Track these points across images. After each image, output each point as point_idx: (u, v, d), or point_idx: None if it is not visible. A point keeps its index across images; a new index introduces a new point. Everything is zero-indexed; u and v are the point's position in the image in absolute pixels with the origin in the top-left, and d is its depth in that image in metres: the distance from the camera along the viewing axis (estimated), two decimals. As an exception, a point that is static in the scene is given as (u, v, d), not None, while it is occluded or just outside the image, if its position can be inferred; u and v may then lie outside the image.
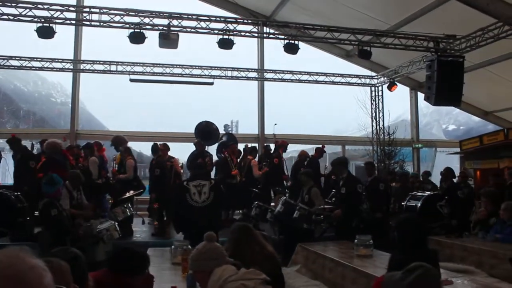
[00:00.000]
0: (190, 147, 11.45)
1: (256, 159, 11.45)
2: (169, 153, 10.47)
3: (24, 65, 13.08)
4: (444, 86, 10.14)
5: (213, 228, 6.49)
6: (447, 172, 9.44)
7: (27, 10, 8.76)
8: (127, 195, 8.48)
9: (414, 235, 3.59)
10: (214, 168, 11.05)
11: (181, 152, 12.35)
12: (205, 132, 12.25)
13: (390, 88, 14.47)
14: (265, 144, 13.48)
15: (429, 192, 9.12)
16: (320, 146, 12.20)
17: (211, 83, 14.13)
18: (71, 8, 9.29)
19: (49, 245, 5.46)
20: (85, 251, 4.08)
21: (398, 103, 18.65)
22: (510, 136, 11.64)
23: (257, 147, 13.28)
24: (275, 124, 11.56)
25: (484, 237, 6.80)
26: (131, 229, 9.16)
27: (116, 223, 7.17)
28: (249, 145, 11.86)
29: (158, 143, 10.39)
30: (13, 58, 12.94)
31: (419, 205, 8.74)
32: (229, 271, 2.81)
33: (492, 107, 16.75)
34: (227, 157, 11.00)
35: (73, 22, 9.56)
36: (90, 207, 7.42)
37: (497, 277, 5.37)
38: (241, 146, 11.79)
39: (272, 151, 11.96)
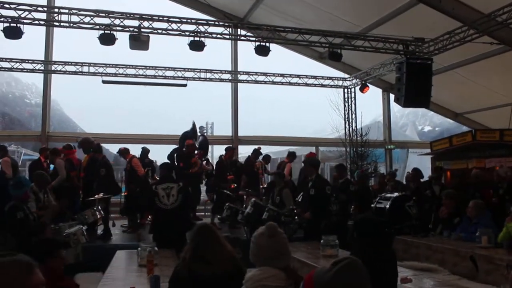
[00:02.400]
0: (165, 149, 11.43)
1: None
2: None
3: (-7, 66, 12.84)
4: (413, 88, 10.34)
5: (181, 230, 6.61)
6: (415, 173, 9.63)
7: (-8, 10, 8.63)
8: (96, 197, 8.40)
9: (372, 235, 3.68)
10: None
11: (155, 154, 12.27)
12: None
13: (362, 90, 14.66)
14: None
15: (397, 193, 9.26)
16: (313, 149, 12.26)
17: (185, 85, 14.08)
18: (40, 8, 9.15)
19: (15, 249, 5.40)
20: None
21: (372, 104, 18.90)
22: (477, 137, 11.96)
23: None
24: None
25: (449, 236, 6.96)
26: (95, 232, 9.16)
27: (84, 228, 7.13)
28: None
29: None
30: (-19, 58, 12.69)
31: (388, 206, 8.88)
32: (275, 280, 2.63)
33: (461, 108, 17.12)
34: (223, 161, 11.04)
35: (42, 22, 9.40)
36: (56, 207, 7.34)
37: (459, 275, 5.52)
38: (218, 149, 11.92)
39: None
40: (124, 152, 10.26)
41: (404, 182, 12.24)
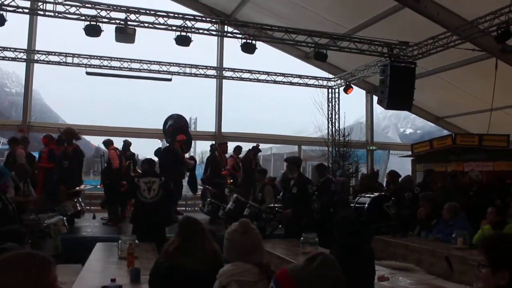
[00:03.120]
0: (147, 143, 11.37)
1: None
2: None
3: (-28, 53, 12.61)
4: (396, 90, 10.51)
5: (161, 224, 6.65)
6: (392, 175, 9.79)
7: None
8: (77, 189, 8.35)
9: (350, 233, 3.75)
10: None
11: (137, 147, 12.23)
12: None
13: (346, 90, 14.81)
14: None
15: (376, 193, 9.40)
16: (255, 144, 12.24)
17: (169, 79, 14.04)
18: (24, -4, 9.04)
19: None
20: (32, 246, 4.07)
21: (355, 105, 19.10)
22: (457, 141, 12.16)
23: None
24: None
25: (426, 237, 7.10)
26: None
27: (65, 218, 7.09)
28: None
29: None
30: (-39, 44, 12.44)
31: (366, 205, 9.00)
32: (249, 274, 2.66)
33: (443, 112, 17.41)
34: (217, 156, 11.01)
35: (26, 11, 9.27)
36: (35, 198, 7.29)
37: (435, 274, 5.65)
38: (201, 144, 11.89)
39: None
40: (107, 143, 10.26)
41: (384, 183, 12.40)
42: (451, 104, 16.13)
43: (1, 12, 8.55)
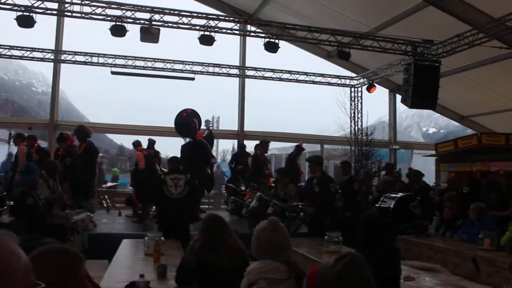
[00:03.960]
0: (170, 141, 11.50)
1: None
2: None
3: (3, 53, 12.93)
4: (420, 89, 10.38)
5: (186, 219, 6.77)
6: (416, 174, 9.67)
7: (7, -2, 8.73)
8: (104, 186, 8.51)
9: (375, 232, 3.74)
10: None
11: (160, 145, 12.34)
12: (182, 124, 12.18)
13: (369, 89, 14.70)
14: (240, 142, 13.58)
15: (402, 194, 9.30)
16: (299, 143, 12.32)
17: (192, 78, 14.15)
18: (53, -2, 9.23)
19: (23, 234, 5.51)
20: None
21: (378, 104, 18.93)
22: (483, 140, 11.97)
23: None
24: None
25: (451, 237, 7.03)
26: None
27: (92, 215, 7.24)
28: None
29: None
30: (-8, 46, 12.80)
31: (392, 206, 8.92)
32: (277, 273, 2.67)
33: (467, 111, 17.13)
34: (260, 155, 11.14)
35: (54, 12, 9.48)
36: (62, 194, 7.46)
37: (460, 275, 5.57)
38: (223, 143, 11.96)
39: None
40: (135, 145, 10.56)
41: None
42: (477, 103, 15.85)
43: (31, 14, 8.76)
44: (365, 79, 15.24)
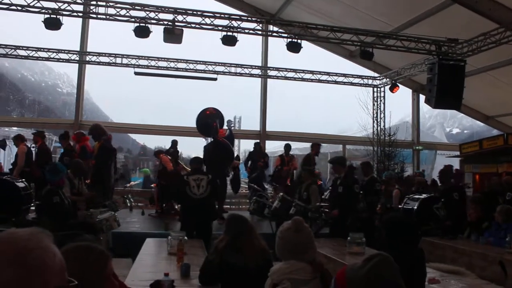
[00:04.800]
0: (192, 141, 11.64)
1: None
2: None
3: (31, 55, 13.24)
4: (445, 89, 10.22)
5: (208, 219, 6.85)
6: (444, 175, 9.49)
7: (35, 1, 8.93)
8: (127, 185, 8.63)
9: (400, 233, 3.69)
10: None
11: (182, 145, 12.47)
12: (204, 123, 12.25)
13: (392, 89, 14.56)
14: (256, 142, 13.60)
15: (425, 195, 9.17)
16: (339, 147, 12.36)
17: (215, 79, 14.23)
18: (78, 1, 9.38)
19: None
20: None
21: (401, 104, 18.71)
22: (509, 141, 11.73)
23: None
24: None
25: (476, 240, 6.90)
26: None
27: (116, 214, 7.34)
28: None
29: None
30: (21, 48, 13.11)
31: (416, 207, 8.81)
32: (302, 273, 2.65)
33: (493, 111, 16.80)
34: (311, 156, 11.29)
35: (80, 14, 9.67)
36: (89, 195, 7.58)
37: (487, 279, 5.46)
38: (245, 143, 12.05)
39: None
40: (157, 152, 11.23)
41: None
42: (503, 103, 15.51)
43: (58, 17, 8.93)
44: (388, 79, 15.10)
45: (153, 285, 3.31)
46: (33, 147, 9.90)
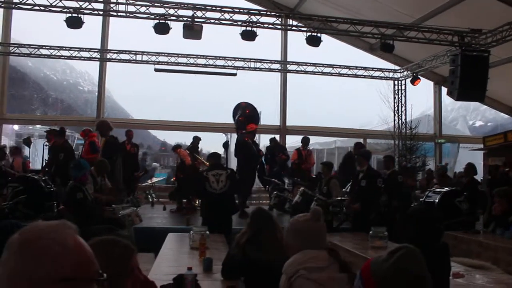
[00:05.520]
0: (212, 137, 11.68)
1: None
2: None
3: (53, 54, 13.45)
4: (468, 81, 10.02)
5: (229, 213, 6.89)
6: (469, 168, 9.34)
7: (57, 1, 9.07)
8: (149, 182, 8.72)
9: (426, 226, 3.64)
10: None
11: (206, 141, 12.58)
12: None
13: (413, 82, 14.37)
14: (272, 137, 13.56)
15: (447, 188, 9.05)
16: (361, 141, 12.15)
17: (234, 74, 14.26)
18: (99, -1, 9.50)
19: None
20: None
21: (422, 97, 18.44)
22: (535, 133, 11.49)
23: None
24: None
25: (502, 234, 6.77)
26: None
27: (138, 209, 7.43)
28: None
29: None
30: (44, 47, 13.32)
31: (437, 200, 8.70)
32: (317, 261, 2.58)
33: (518, 103, 16.47)
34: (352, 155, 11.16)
35: (101, 12, 9.77)
36: (112, 191, 7.69)
37: (513, 275, 5.37)
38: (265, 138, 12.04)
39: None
40: (175, 147, 11.26)
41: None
42: (528, 94, 15.21)
43: (79, 15, 9.05)
44: (409, 72, 14.89)
45: (176, 279, 3.34)
46: (46, 145, 10.06)
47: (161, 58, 13.89)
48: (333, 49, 15.33)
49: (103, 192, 7.34)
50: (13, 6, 9.68)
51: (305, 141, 11.85)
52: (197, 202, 10.72)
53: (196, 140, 11.43)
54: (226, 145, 10.47)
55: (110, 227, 2.84)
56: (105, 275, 1.15)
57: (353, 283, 2.30)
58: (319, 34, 10.13)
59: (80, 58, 13.68)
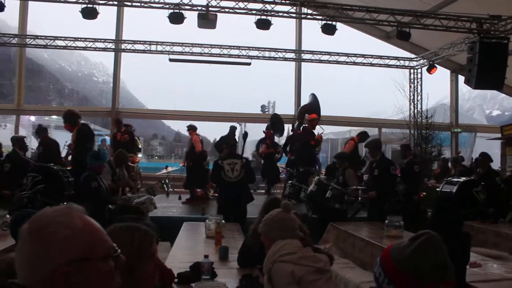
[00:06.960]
0: (227, 127, 11.59)
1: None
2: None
3: (69, 45, 13.54)
4: (486, 69, 9.84)
5: (244, 202, 6.94)
6: (484, 158, 9.20)
7: (72, -9, 9.10)
8: (164, 171, 8.77)
9: (448, 215, 3.62)
10: None
11: (221, 131, 12.54)
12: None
13: (429, 70, 14.18)
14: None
15: (464, 178, 8.92)
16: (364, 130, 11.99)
17: (249, 63, 14.22)
18: (114, -11, 9.53)
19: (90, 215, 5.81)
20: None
21: (438, 86, 18.23)
22: (555, 122, 11.28)
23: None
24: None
25: (519, 224, 6.71)
26: None
27: (153, 197, 7.50)
28: None
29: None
30: (59, 38, 13.41)
31: (454, 190, 8.60)
32: (289, 247, 2.75)
33: (538, 92, 16.15)
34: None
35: (115, 3, 9.80)
36: (128, 181, 7.80)
37: (531, 264, 5.31)
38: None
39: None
40: (190, 128, 10.77)
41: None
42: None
43: (94, 6, 9.08)
44: (425, 60, 14.69)
45: (193, 267, 3.37)
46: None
47: (176, 48, 13.89)
48: (348, 38, 15.20)
49: (119, 183, 7.44)
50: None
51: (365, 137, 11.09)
52: (211, 192, 10.77)
53: (234, 129, 11.26)
54: (245, 136, 10.46)
55: (138, 216, 2.90)
56: (119, 251, 1.16)
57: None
58: (334, 23, 10.02)
59: (95, 49, 13.75)
